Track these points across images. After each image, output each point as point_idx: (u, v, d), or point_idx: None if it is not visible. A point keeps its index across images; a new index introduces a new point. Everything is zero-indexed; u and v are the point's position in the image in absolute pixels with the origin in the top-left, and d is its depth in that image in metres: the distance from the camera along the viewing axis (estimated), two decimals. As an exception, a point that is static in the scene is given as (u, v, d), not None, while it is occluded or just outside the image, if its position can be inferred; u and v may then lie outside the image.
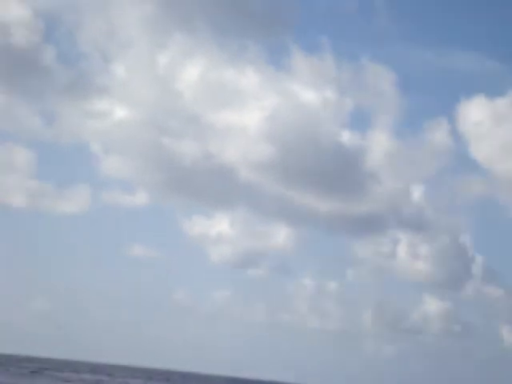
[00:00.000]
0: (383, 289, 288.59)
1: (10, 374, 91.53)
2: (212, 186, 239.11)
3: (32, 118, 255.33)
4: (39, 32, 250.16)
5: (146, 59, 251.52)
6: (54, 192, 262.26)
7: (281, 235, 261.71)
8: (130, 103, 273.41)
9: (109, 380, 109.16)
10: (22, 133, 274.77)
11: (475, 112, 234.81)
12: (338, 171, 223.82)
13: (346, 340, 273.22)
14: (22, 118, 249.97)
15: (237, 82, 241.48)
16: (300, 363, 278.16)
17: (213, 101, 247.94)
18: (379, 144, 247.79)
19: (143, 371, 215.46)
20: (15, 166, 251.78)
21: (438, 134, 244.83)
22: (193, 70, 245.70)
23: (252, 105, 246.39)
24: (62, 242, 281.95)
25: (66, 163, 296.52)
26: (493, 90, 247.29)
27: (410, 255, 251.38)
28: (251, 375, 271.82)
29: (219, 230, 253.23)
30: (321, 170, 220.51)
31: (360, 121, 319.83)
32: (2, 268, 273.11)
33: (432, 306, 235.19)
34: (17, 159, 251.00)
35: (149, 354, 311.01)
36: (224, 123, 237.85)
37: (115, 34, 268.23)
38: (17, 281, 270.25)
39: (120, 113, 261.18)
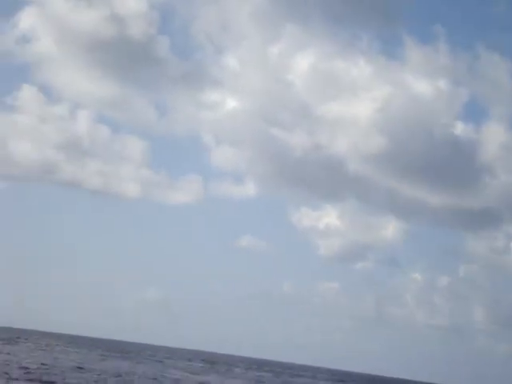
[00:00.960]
0: (497, 285, 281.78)
1: (137, 363, 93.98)
2: (321, 177, 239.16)
3: (146, 108, 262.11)
4: (154, 24, 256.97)
5: (257, 51, 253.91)
6: (167, 182, 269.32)
7: (390, 228, 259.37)
8: (242, 94, 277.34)
9: (219, 368, 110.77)
10: (137, 123, 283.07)
11: None
12: (451, 164, 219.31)
13: (456, 337, 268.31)
14: (137, 108, 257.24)
15: (348, 73, 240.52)
16: (407, 359, 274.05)
17: (323, 92, 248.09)
18: (495, 136, 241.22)
19: (251, 361, 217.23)
20: (130, 157, 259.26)
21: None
22: (304, 61, 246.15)
23: (363, 96, 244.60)
24: (174, 231, 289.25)
25: (178, 154, 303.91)
26: None
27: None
28: (357, 369, 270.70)
29: (327, 222, 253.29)
30: (433, 162, 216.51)
31: (475, 112, 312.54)
32: (117, 256, 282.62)
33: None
34: (131, 149, 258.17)
35: (256, 344, 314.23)
36: (334, 114, 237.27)
37: (228, 26, 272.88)
38: (131, 269, 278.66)
39: (232, 104, 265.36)
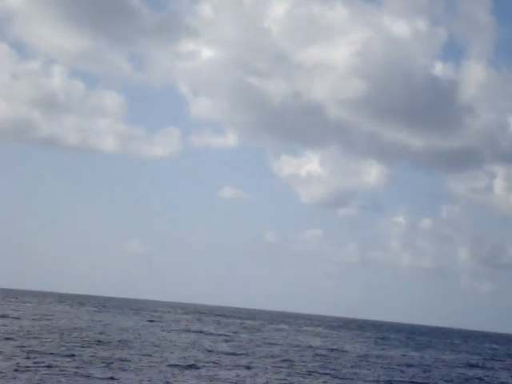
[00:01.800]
0: (479, 224, 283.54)
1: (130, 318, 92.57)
2: (301, 124, 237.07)
3: (121, 61, 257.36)
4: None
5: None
6: (145, 135, 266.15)
7: (372, 173, 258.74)
8: (218, 43, 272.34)
9: (202, 317, 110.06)
10: (112, 77, 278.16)
11: None
12: (431, 105, 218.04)
13: (441, 277, 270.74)
14: (112, 62, 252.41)
15: (325, 17, 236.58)
16: (393, 302, 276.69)
17: (301, 37, 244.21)
18: (474, 76, 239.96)
19: (235, 311, 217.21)
20: (106, 111, 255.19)
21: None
22: (280, 6, 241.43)
23: (341, 40, 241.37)
24: (154, 184, 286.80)
25: (155, 106, 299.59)
26: None
27: (508, 189, 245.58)
28: (343, 314, 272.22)
29: (309, 169, 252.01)
30: (413, 104, 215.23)
31: (454, 52, 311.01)
32: (96, 211, 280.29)
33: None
34: (107, 104, 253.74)
35: (240, 294, 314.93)
36: (312, 60, 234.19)
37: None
38: (112, 224, 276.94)
39: (208, 54, 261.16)
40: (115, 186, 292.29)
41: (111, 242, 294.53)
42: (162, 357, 38.24)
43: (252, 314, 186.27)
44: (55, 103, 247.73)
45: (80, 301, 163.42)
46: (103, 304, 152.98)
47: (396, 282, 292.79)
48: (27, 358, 32.41)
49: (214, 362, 38.39)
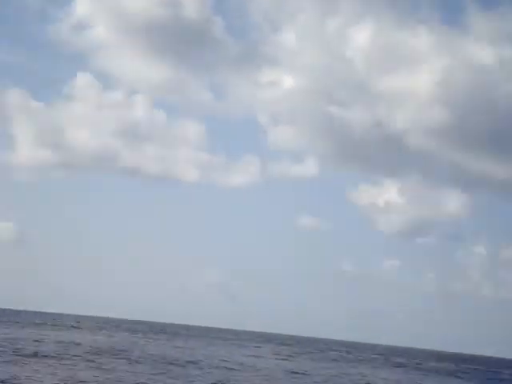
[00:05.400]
0: None
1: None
2: (381, 154, 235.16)
3: (203, 91, 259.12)
4: (209, 4, 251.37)
5: (314, 26, 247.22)
6: (225, 164, 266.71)
7: (453, 202, 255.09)
8: (299, 72, 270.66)
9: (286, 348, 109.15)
10: (193, 106, 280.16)
11: None
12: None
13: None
14: (193, 91, 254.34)
15: (408, 44, 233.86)
16: (474, 334, 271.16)
17: (382, 66, 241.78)
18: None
19: (313, 342, 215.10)
20: (188, 140, 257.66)
21: None
22: (362, 34, 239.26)
23: (424, 67, 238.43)
24: (234, 213, 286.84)
25: (235, 135, 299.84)
26: None
27: None
28: (422, 346, 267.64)
29: (388, 198, 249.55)
30: (498, 132, 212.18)
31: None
32: (177, 240, 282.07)
33: None
34: (189, 133, 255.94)
35: (318, 324, 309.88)
36: (394, 88, 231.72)
37: (284, 3, 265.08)
38: (192, 253, 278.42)
39: (288, 82, 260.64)
40: (196, 215, 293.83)
41: (189, 270, 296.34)
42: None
43: (330, 344, 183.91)
44: (138, 133, 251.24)
45: (174, 331, 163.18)
46: (192, 335, 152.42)
47: (477, 313, 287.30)
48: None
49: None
